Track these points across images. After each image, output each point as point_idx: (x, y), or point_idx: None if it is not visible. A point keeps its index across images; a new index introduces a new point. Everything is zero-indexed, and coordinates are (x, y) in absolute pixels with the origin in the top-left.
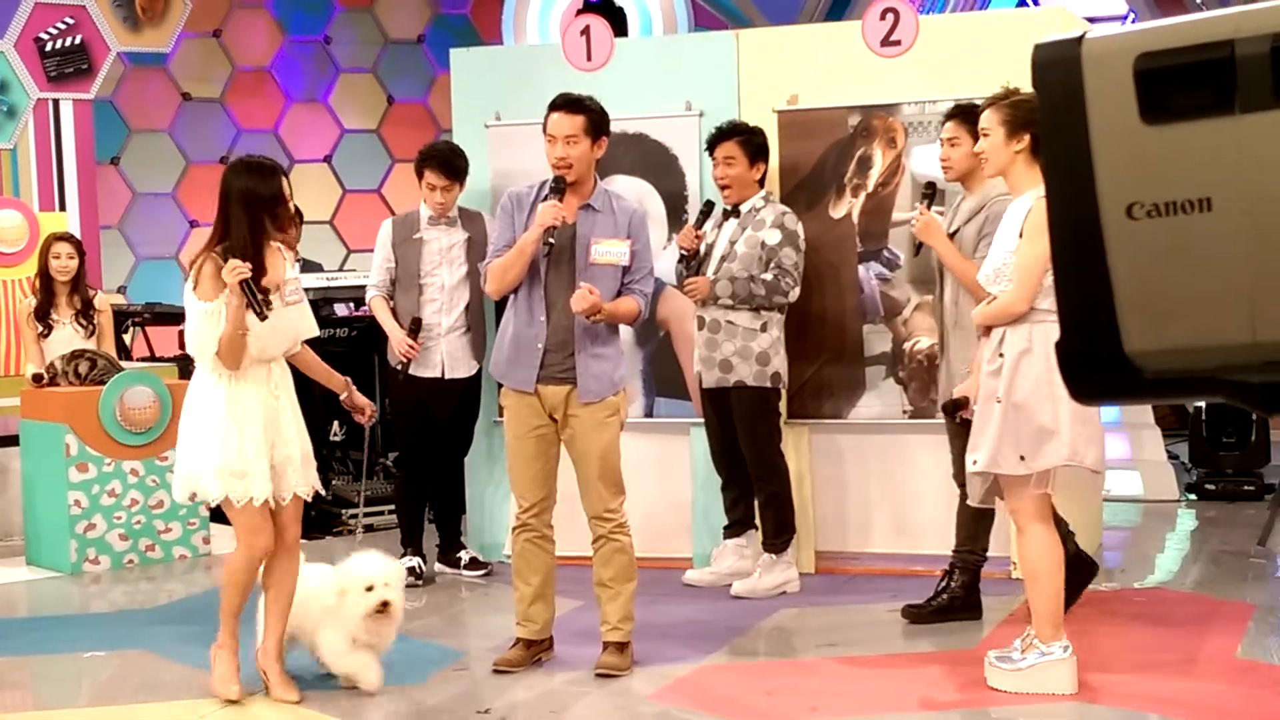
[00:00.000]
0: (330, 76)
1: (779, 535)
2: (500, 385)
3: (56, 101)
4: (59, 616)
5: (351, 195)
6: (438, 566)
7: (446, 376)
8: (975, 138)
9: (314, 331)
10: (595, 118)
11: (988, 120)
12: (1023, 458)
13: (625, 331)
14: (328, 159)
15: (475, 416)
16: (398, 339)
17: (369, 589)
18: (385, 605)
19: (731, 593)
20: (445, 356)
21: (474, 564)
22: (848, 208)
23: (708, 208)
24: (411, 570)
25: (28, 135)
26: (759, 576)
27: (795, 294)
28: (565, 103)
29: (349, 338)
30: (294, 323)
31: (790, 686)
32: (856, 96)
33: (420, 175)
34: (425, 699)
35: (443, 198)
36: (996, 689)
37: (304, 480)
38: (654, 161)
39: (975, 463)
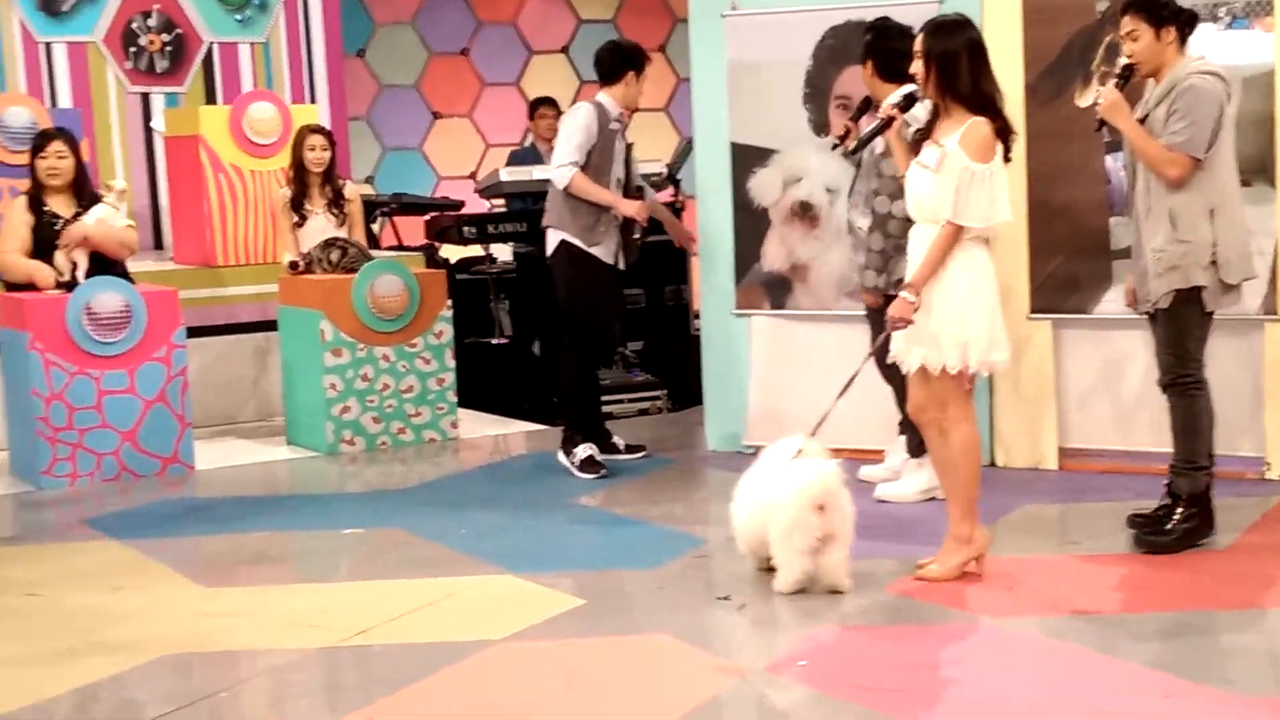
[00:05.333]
0: None
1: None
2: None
3: None
4: (318, 495)
5: (589, 86)
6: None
7: (620, 266)
8: (1154, 27)
9: (939, 214)
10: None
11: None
12: None
13: None
14: (565, 49)
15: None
16: (632, 204)
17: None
18: None
19: (875, 496)
20: (618, 246)
21: (630, 448)
22: (1095, 96)
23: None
24: (591, 460)
25: (279, 29)
26: (903, 481)
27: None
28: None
29: None
30: (924, 192)
31: (1033, 585)
32: None
33: (641, 71)
34: (664, 584)
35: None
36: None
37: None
38: None
39: None
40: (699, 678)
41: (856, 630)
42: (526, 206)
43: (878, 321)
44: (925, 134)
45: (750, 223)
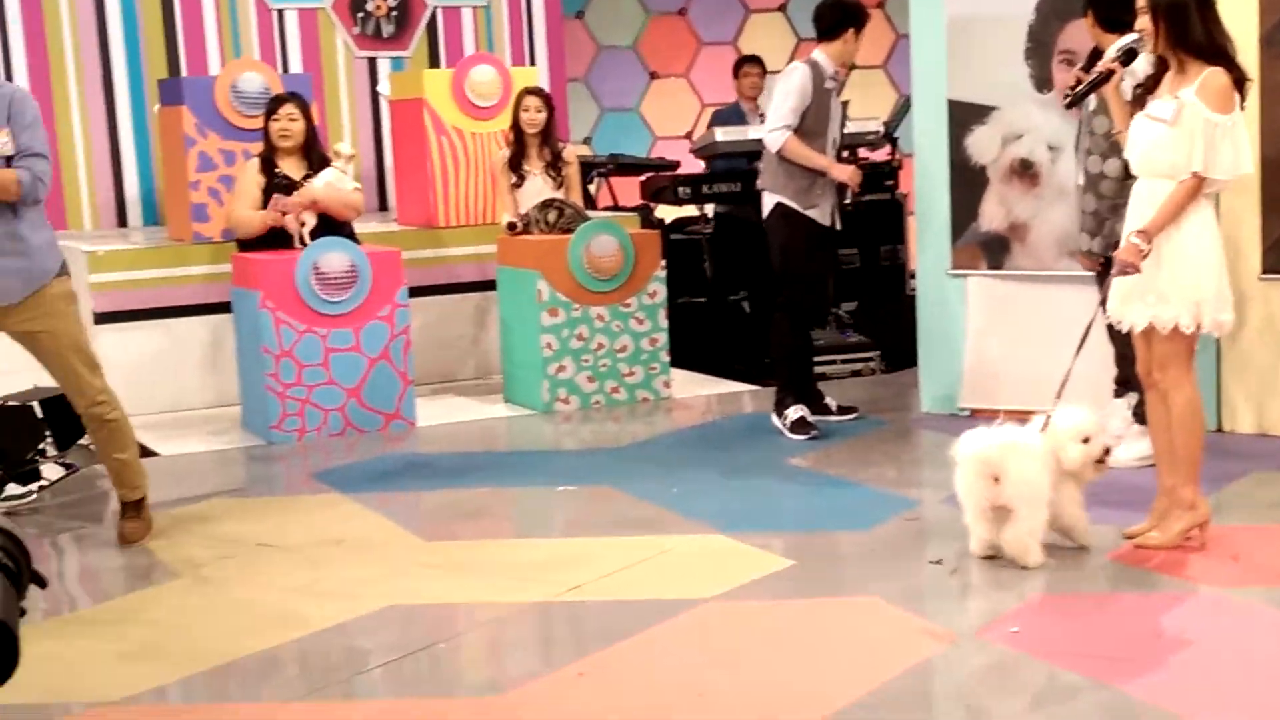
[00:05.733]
0: None
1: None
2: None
3: None
4: (533, 452)
5: (806, 44)
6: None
7: (837, 227)
8: None
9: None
10: None
11: None
12: None
13: None
14: (783, 8)
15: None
16: (845, 168)
17: (1085, 440)
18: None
19: None
20: (833, 207)
21: (843, 409)
22: None
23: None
24: (803, 421)
25: None
26: (1122, 446)
27: None
28: None
29: None
30: (1158, 146)
31: (1260, 554)
32: None
33: (861, 29)
34: (875, 547)
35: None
36: None
37: None
38: None
39: None
40: (909, 641)
41: (1072, 597)
42: (735, 166)
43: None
44: (1148, 88)
45: (967, 181)
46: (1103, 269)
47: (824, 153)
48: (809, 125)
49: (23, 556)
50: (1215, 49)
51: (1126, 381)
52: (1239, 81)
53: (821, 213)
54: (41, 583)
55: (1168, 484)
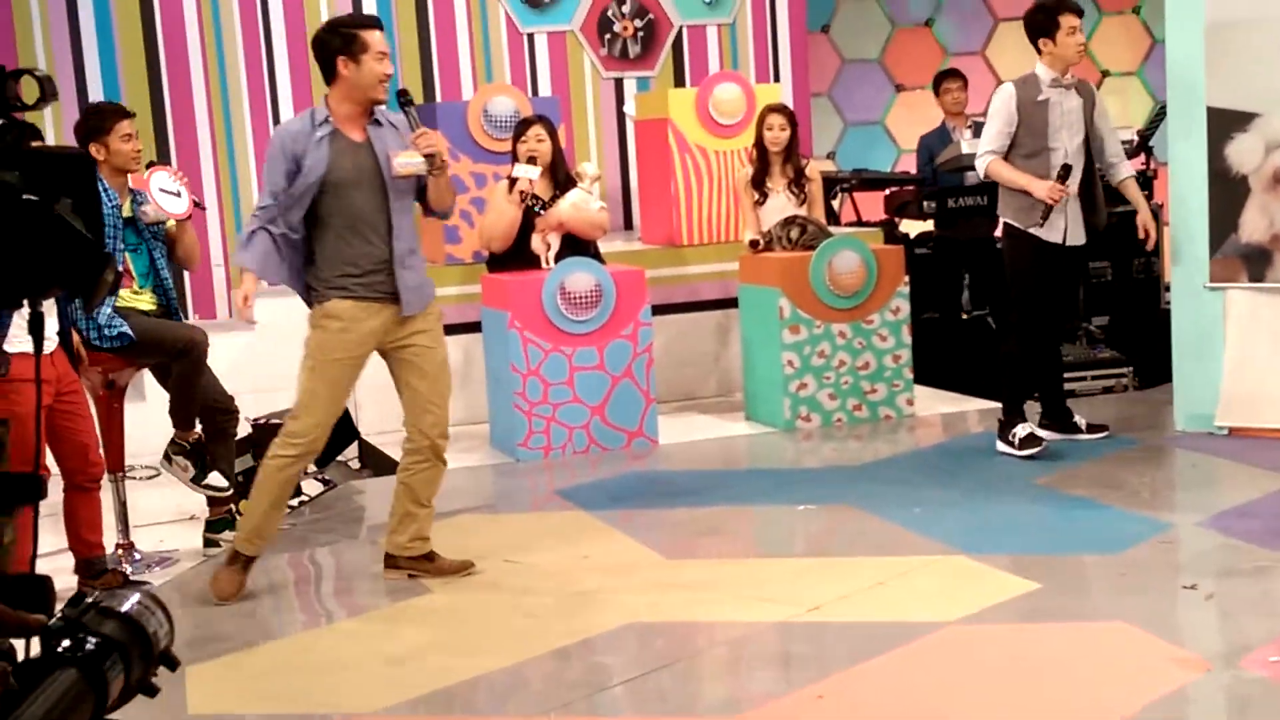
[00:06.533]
0: None
1: None
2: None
3: None
4: (774, 470)
5: None
6: (1044, 434)
7: (1067, 244)
8: None
9: None
10: None
11: None
12: None
13: None
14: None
15: (1079, 284)
16: (1043, 184)
17: None
18: None
19: None
20: (1069, 222)
21: (1092, 427)
22: None
23: None
24: (1031, 437)
25: (745, 9)
26: None
27: None
28: None
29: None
30: None
31: None
32: None
33: (1052, 34)
34: (1125, 571)
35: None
36: None
37: None
38: None
39: None
40: (1161, 669)
41: None
42: (954, 182)
43: None
44: None
45: (1227, 191)
46: None
47: (1050, 168)
48: (1025, 144)
49: (138, 647)
50: None
51: None
52: None
53: (1049, 230)
54: (172, 665)
55: None
